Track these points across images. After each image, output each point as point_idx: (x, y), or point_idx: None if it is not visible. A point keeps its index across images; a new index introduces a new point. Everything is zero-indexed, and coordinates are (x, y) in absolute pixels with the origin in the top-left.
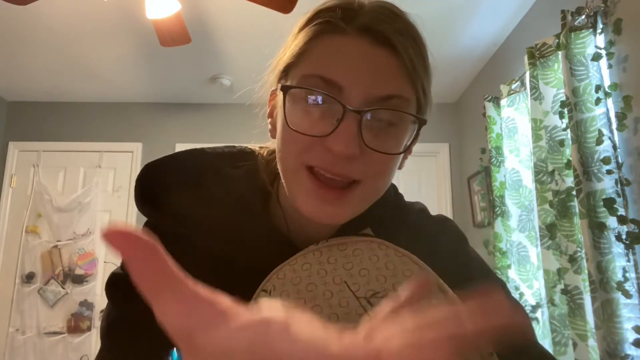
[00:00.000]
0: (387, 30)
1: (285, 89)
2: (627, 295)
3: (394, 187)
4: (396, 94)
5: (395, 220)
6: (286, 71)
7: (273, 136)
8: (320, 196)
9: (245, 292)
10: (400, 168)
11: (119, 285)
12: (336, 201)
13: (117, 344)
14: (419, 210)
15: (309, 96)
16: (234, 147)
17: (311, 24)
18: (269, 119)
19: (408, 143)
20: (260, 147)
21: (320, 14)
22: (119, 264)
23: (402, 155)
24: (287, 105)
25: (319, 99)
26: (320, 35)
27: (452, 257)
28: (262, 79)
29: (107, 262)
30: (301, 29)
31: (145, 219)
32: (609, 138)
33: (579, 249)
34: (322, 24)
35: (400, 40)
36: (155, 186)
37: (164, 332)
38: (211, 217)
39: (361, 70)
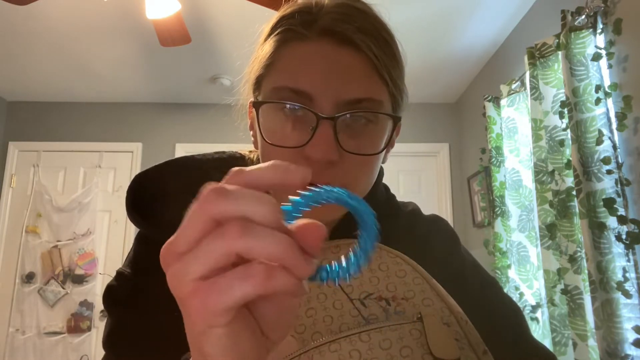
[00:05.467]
0: (347, 29)
1: (256, 105)
2: (627, 295)
3: (385, 187)
4: (367, 96)
5: (387, 220)
6: (258, 83)
7: (257, 147)
8: None
9: None
10: (383, 162)
11: (116, 296)
12: None
13: (117, 353)
14: (411, 210)
15: (281, 109)
16: (224, 153)
17: (274, 33)
18: (251, 131)
19: (386, 141)
20: (250, 152)
21: (281, 21)
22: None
23: (382, 153)
24: (261, 120)
25: (292, 110)
26: (284, 44)
27: (445, 256)
28: (237, 91)
29: (103, 273)
30: (266, 38)
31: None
32: (609, 138)
33: (579, 249)
34: (284, 32)
35: (362, 38)
36: (145, 196)
37: (161, 338)
38: None
39: (328, 75)
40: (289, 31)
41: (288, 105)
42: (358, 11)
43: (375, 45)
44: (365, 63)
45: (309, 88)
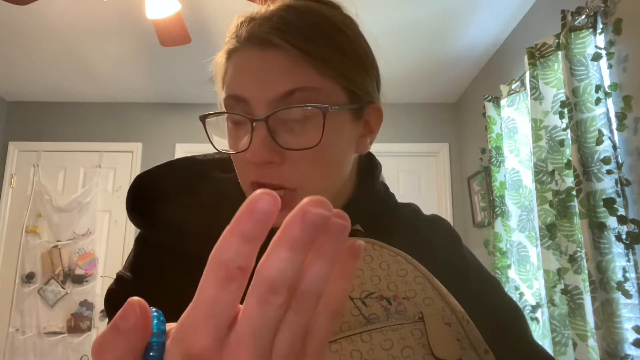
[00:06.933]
0: (264, 31)
1: (202, 119)
2: (627, 295)
3: (384, 186)
4: (295, 87)
5: (387, 219)
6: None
7: None
8: None
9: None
10: (362, 151)
11: (116, 301)
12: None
13: None
14: (412, 210)
15: (228, 118)
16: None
17: (225, 46)
18: None
19: (323, 129)
20: None
21: (228, 34)
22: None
23: (321, 143)
24: (211, 130)
25: (234, 117)
26: (229, 56)
27: (446, 256)
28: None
29: (103, 276)
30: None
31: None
32: (609, 138)
33: (579, 249)
34: (227, 44)
35: (282, 35)
36: (146, 196)
37: None
38: (202, 222)
39: (255, 77)
40: (229, 43)
41: (227, 114)
42: (288, 9)
43: (303, 38)
44: (289, 58)
45: (242, 93)
